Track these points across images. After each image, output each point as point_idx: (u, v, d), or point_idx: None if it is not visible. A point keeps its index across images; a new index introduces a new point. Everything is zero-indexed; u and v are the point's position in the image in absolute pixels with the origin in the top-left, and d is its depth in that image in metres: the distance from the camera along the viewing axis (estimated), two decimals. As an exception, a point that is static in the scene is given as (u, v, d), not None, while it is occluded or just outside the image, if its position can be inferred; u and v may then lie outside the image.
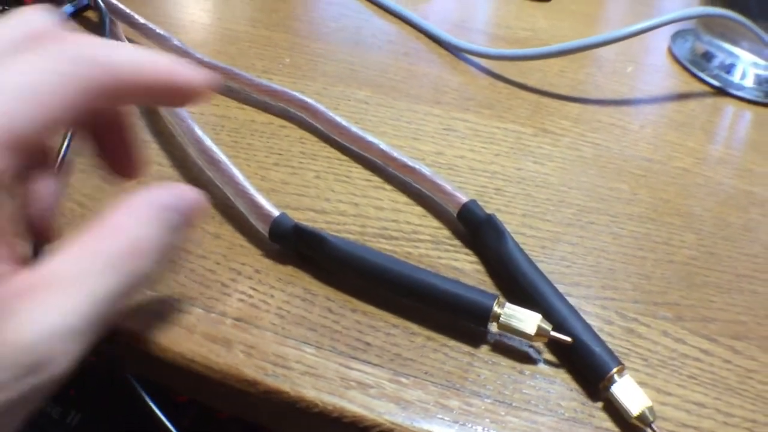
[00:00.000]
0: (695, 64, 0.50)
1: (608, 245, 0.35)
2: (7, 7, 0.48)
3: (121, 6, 0.46)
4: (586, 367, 0.28)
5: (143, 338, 0.28)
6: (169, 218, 0.23)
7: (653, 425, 0.26)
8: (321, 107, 0.40)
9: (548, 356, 0.29)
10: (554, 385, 0.28)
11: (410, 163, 0.36)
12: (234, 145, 0.39)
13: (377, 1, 0.55)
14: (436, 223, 0.35)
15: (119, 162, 0.26)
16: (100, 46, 0.22)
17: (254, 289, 0.31)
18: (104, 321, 0.20)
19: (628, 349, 0.30)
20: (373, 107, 0.43)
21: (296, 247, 0.32)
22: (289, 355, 0.28)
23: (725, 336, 0.31)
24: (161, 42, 0.45)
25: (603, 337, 0.29)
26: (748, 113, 0.46)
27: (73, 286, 0.19)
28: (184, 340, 0.28)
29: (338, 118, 0.39)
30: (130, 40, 0.46)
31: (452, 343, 0.29)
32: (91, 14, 0.50)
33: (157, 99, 0.29)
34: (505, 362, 0.29)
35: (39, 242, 0.24)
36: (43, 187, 0.23)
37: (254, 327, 0.28)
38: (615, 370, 0.27)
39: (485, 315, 0.28)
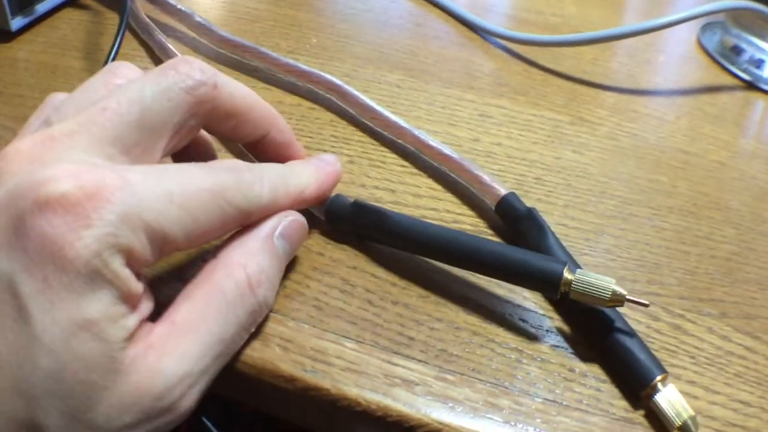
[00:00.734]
0: (725, 57, 0.49)
1: (651, 238, 0.34)
2: None
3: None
4: (630, 375, 0.27)
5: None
6: (276, 246, 0.25)
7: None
8: (351, 90, 0.39)
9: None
10: (605, 384, 0.27)
11: (446, 151, 0.35)
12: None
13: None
14: (474, 213, 0.34)
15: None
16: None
17: (289, 279, 0.29)
18: (225, 358, 0.23)
19: (676, 347, 0.29)
20: (405, 91, 0.41)
21: (355, 225, 0.31)
22: (329, 349, 0.26)
23: (768, 333, 0.29)
24: (183, 19, 0.44)
25: (650, 333, 0.28)
26: (780, 109, 0.45)
27: (194, 333, 0.22)
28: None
29: (370, 102, 0.38)
30: (151, 18, 0.43)
31: (499, 338, 0.28)
32: None
33: None
34: (554, 359, 0.28)
35: None
36: None
37: (290, 319, 0.27)
38: (659, 378, 0.26)
39: (556, 281, 0.26)
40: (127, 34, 0.46)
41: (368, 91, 0.40)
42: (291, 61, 0.41)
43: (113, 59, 0.38)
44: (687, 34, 0.54)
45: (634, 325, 0.28)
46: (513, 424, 0.25)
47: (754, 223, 0.36)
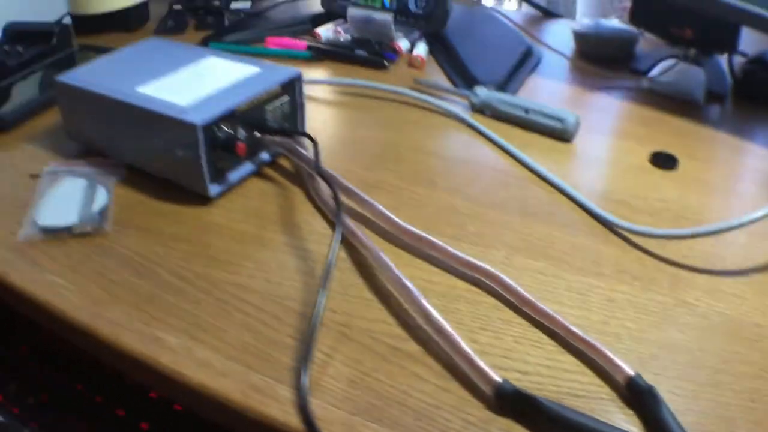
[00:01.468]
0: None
1: (731, 399, 0.44)
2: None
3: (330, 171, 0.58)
4: None
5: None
6: None
7: None
8: (510, 281, 0.51)
9: None
10: None
11: (588, 338, 0.46)
12: (444, 309, 0.50)
13: (534, 168, 0.67)
14: (608, 386, 0.45)
15: None
16: None
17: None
18: None
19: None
20: (549, 278, 0.53)
21: (518, 409, 0.42)
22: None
23: None
24: (367, 207, 0.57)
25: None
26: None
27: None
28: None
29: (525, 293, 0.50)
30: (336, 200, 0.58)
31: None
32: (285, 162, 0.64)
33: None
34: None
35: None
36: None
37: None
38: None
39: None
40: (315, 211, 0.60)
41: (521, 279, 0.52)
42: (461, 254, 0.53)
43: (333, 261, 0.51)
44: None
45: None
46: None
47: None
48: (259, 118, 0.62)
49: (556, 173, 0.66)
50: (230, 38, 0.96)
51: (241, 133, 0.60)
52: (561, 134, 0.70)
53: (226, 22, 1.05)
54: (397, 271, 0.49)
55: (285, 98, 0.64)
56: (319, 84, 0.84)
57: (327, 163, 0.64)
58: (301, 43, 0.92)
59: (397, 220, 0.55)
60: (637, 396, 0.43)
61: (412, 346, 0.46)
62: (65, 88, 0.65)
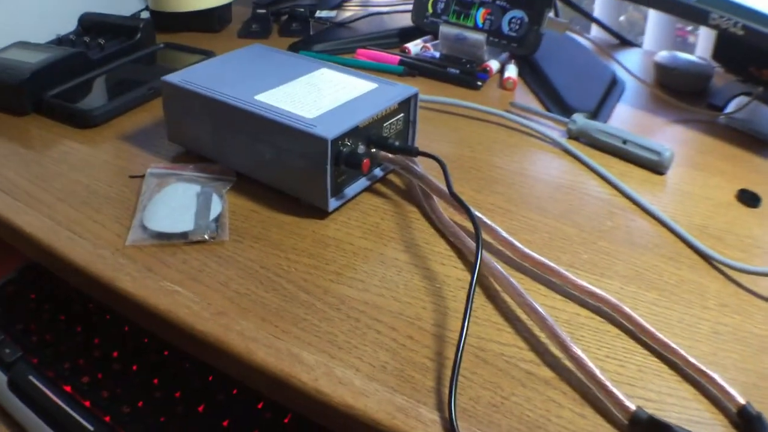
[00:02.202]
0: None
1: None
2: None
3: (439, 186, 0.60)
4: None
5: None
6: None
7: None
8: (631, 312, 0.53)
9: None
10: None
11: (706, 369, 0.49)
12: (570, 336, 0.52)
13: (636, 200, 0.70)
14: (722, 415, 0.47)
15: None
16: None
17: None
18: None
19: None
20: (662, 309, 0.55)
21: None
22: None
23: None
24: (489, 231, 0.60)
25: None
26: None
27: None
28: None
29: (645, 323, 0.52)
30: (456, 223, 0.62)
31: None
32: (395, 178, 0.66)
33: None
34: None
35: None
36: None
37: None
38: None
39: None
40: (434, 231, 0.63)
41: (637, 310, 0.54)
42: (584, 283, 0.55)
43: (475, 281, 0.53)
44: None
45: None
46: None
47: None
48: (381, 136, 0.64)
49: (655, 205, 0.68)
50: (319, 47, 0.98)
51: (361, 148, 0.61)
52: (656, 166, 0.73)
53: (312, 30, 1.06)
54: (530, 299, 0.52)
55: (401, 115, 0.66)
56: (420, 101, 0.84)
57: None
58: (393, 57, 0.94)
59: (520, 245, 0.57)
60: (748, 423, 0.45)
61: (546, 372, 0.48)
62: (173, 90, 0.67)
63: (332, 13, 1.13)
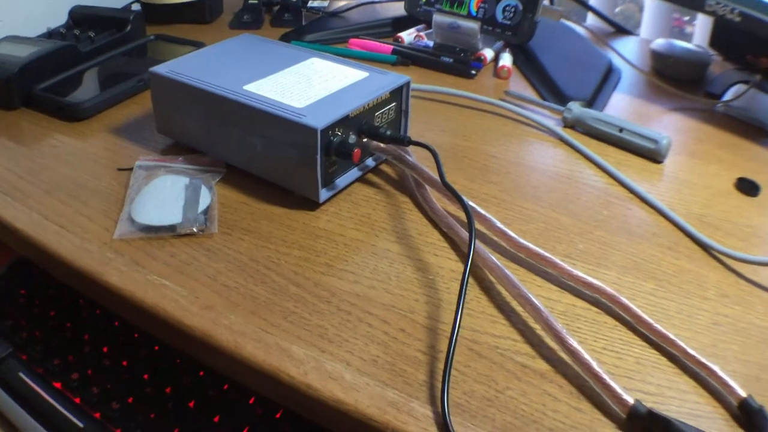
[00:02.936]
0: None
1: None
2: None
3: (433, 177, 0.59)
4: None
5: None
6: None
7: None
8: (628, 302, 0.52)
9: None
10: None
11: (706, 361, 0.47)
12: (566, 327, 0.51)
13: (633, 188, 0.69)
14: (722, 408, 0.46)
15: None
16: None
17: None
18: None
19: None
20: (660, 300, 0.54)
21: (651, 430, 0.43)
22: None
23: None
24: (483, 222, 0.59)
25: None
26: None
27: None
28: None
29: (643, 314, 0.51)
30: (450, 213, 0.61)
31: None
32: (387, 168, 0.64)
33: None
34: None
35: None
36: None
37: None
38: None
39: None
40: (426, 221, 0.62)
41: (634, 300, 0.53)
42: (580, 273, 0.54)
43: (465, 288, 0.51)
44: None
45: None
46: None
47: None
48: (372, 125, 0.62)
49: (652, 194, 0.67)
50: (311, 37, 0.97)
51: (352, 138, 0.60)
52: (653, 155, 0.71)
53: (304, 20, 1.05)
54: (525, 290, 0.51)
55: (393, 104, 0.65)
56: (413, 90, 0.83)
57: (428, 172, 0.65)
58: (386, 47, 0.93)
59: (514, 236, 0.56)
60: (750, 416, 0.44)
61: (541, 364, 0.47)
62: (161, 81, 0.66)
63: (324, 3, 1.12)
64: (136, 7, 1.08)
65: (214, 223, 0.58)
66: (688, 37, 1.27)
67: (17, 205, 0.62)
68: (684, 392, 0.47)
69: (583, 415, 0.44)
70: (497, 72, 0.92)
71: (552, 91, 0.84)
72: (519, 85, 0.91)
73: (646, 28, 1.19)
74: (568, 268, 0.54)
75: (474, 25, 0.91)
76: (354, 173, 0.64)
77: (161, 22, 1.06)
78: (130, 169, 0.67)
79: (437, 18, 0.93)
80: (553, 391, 0.46)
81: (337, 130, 0.59)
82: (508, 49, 0.96)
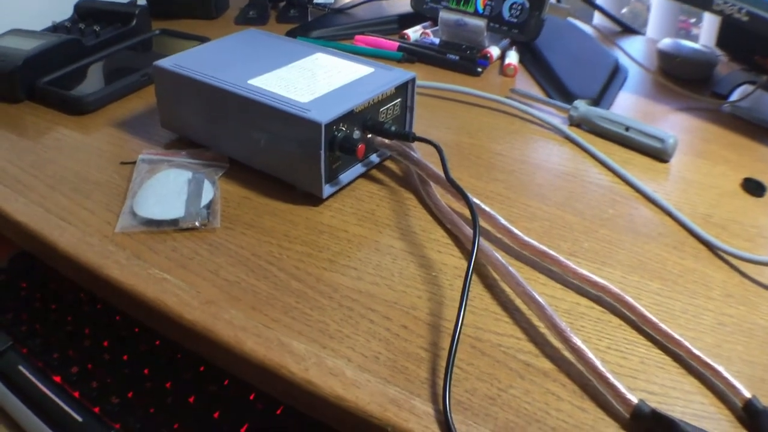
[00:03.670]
0: None
1: None
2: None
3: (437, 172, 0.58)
4: None
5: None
6: None
7: None
8: (633, 302, 0.51)
9: None
10: None
11: (711, 362, 0.47)
12: (570, 326, 0.50)
13: (639, 187, 0.68)
14: (727, 409, 0.46)
15: None
16: None
17: None
18: None
19: None
20: (665, 299, 0.53)
21: (654, 430, 0.42)
22: None
23: None
24: (488, 219, 0.58)
25: None
26: None
27: None
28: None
29: (648, 314, 0.50)
30: (455, 210, 0.60)
31: None
32: (391, 165, 0.64)
33: None
34: None
35: None
36: None
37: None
38: None
39: None
40: (431, 218, 0.61)
41: (639, 299, 0.53)
42: (585, 272, 0.53)
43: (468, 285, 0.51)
44: None
45: None
46: None
47: None
48: (377, 121, 0.62)
49: (658, 193, 0.66)
50: (317, 33, 0.97)
51: (356, 133, 0.60)
52: (659, 154, 0.71)
53: (310, 17, 1.04)
54: (529, 288, 0.50)
55: (398, 100, 0.64)
56: (419, 87, 0.83)
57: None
58: (392, 44, 0.92)
59: (519, 233, 0.55)
60: (754, 417, 0.44)
61: (545, 363, 0.47)
62: (165, 75, 0.66)
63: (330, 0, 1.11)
64: (141, 1, 1.07)
65: (216, 217, 0.58)
66: (694, 40, 1.27)
67: (19, 198, 0.61)
68: (688, 392, 0.46)
69: (587, 415, 0.44)
70: (503, 70, 0.91)
71: (558, 90, 0.84)
72: (525, 83, 0.90)
73: (652, 28, 1.18)
74: (573, 266, 0.53)
75: (480, 23, 0.91)
76: (358, 169, 0.64)
77: (166, 16, 1.06)
78: (133, 163, 0.66)
79: (444, 15, 0.93)
80: (557, 390, 0.45)
81: (341, 125, 0.58)
82: (514, 47, 0.95)
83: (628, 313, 0.52)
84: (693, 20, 1.29)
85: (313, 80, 0.63)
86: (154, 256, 0.54)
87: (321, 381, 0.45)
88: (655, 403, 0.45)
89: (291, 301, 0.51)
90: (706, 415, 0.45)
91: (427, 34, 0.98)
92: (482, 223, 0.59)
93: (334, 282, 0.53)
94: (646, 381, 0.47)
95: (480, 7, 0.93)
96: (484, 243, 0.55)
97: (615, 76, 0.89)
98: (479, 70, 0.89)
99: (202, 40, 0.91)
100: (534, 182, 0.67)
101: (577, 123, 0.77)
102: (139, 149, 0.69)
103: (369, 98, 0.61)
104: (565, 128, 0.76)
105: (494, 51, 0.94)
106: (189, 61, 0.67)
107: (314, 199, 0.62)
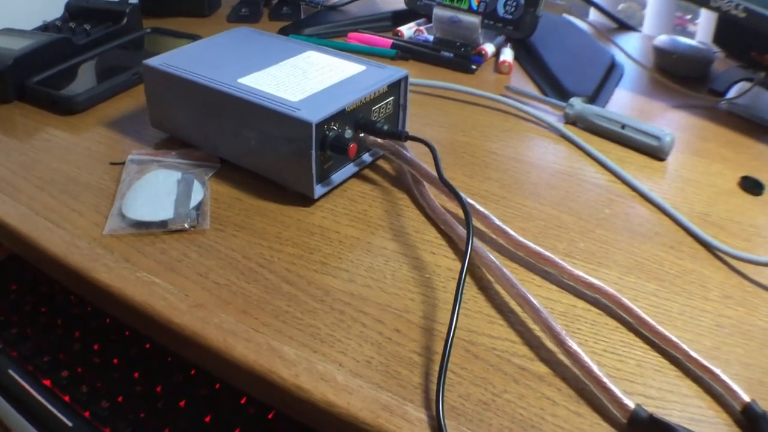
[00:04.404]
0: None
1: None
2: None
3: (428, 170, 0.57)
4: None
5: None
6: None
7: None
8: (630, 304, 0.51)
9: None
10: None
11: (709, 365, 0.46)
12: (566, 329, 0.49)
13: (635, 186, 0.67)
14: (725, 413, 0.45)
15: None
16: None
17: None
18: None
19: None
20: (662, 301, 0.53)
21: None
22: None
23: None
24: (482, 219, 0.57)
25: None
26: None
27: None
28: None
29: (645, 316, 0.49)
30: (447, 210, 0.59)
31: None
32: (384, 164, 0.63)
33: None
34: None
35: None
36: None
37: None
38: None
39: None
40: (424, 218, 0.60)
41: (636, 301, 0.52)
42: (581, 273, 0.52)
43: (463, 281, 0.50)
44: None
45: None
46: None
47: None
48: (369, 120, 0.61)
49: (655, 192, 0.66)
50: (309, 31, 0.96)
51: (348, 132, 0.59)
52: (656, 152, 0.70)
53: (302, 14, 1.04)
54: (524, 290, 0.49)
55: (390, 99, 0.63)
56: (412, 85, 0.82)
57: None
58: (386, 41, 0.91)
59: (514, 234, 0.55)
60: (753, 421, 0.43)
61: (540, 367, 0.46)
62: (155, 74, 0.65)
63: (323, -4, 1.10)
64: (133, 0, 1.06)
65: (206, 218, 0.57)
66: (690, 36, 1.26)
67: (7, 199, 0.61)
68: (686, 396, 0.45)
69: (583, 420, 0.43)
70: (498, 67, 0.90)
71: (553, 87, 0.83)
72: (520, 80, 0.89)
73: (648, 25, 1.17)
74: (569, 267, 0.52)
75: (475, 20, 0.90)
76: (350, 169, 0.63)
77: (158, 15, 1.05)
78: (123, 164, 0.65)
79: (437, 12, 0.92)
80: (552, 394, 0.45)
81: (332, 124, 0.57)
82: (509, 44, 0.95)
83: (624, 315, 0.51)
84: (689, 17, 1.28)
85: (304, 79, 0.62)
86: (142, 258, 0.53)
87: (312, 387, 0.44)
88: (652, 407, 0.44)
89: (282, 305, 0.49)
90: (704, 420, 0.44)
91: (420, 31, 0.98)
92: (476, 223, 0.58)
93: (325, 284, 0.52)
94: (643, 385, 0.46)
95: (474, 4, 0.93)
96: (479, 244, 0.54)
97: (611, 73, 0.89)
98: (474, 67, 0.88)
99: (194, 38, 0.90)
100: (529, 181, 0.66)
101: (572, 121, 0.76)
102: (129, 149, 0.68)
103: (361, 97, 0.59)
104: (561, 126, 0.75)
105: (489, 48, 0.93)
106: (179, 59, 0.66)
107: (306, 200, 0.61)
